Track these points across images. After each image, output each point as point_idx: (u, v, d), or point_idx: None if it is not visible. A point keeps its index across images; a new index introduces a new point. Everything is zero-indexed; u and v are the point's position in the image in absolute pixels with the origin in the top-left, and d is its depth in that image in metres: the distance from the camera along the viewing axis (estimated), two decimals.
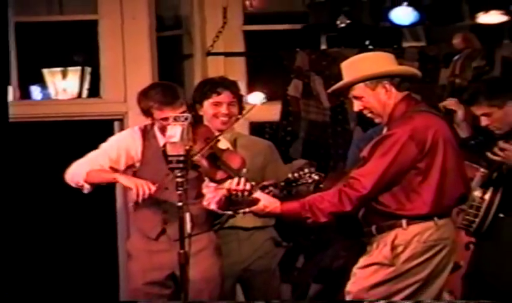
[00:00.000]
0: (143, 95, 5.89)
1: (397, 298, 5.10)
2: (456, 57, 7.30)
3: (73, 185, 5.95)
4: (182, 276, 4.85)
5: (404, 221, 5.02)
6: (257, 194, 5.25)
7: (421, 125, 5.08)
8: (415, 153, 5.04)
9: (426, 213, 5.05)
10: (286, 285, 7.41)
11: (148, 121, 5.92)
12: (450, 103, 6.39)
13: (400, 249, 5.02)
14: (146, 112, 5.81)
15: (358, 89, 5.14)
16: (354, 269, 5.21)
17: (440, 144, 5.06)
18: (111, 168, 5.95)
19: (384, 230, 5.08)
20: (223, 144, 5.71)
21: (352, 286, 5.13)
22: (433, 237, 5.04)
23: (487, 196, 5.83)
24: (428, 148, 5.04)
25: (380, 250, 5.08)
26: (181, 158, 4.86)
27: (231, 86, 6.23)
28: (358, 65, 5.27)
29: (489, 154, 5.75)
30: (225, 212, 5.73)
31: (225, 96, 6.08)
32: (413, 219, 5.03)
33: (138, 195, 5.73)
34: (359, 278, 5.12)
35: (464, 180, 5.24)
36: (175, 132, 4.96)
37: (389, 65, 5.25)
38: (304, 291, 8.07)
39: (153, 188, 5.78)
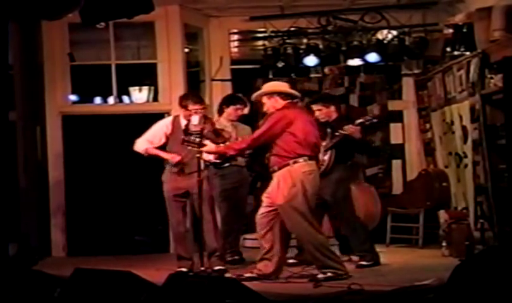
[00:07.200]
0: (184, 97, 7.69)
1: (298, 198, 6.59)
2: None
3: (138, 151, 7.68)
4: (200, 189, 7.12)
5: (291, 162, 6.80)
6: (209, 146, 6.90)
7: (290, 111, 6.92)
8: (285, 123, 6.78)
9: (300, 155, 6.73)
10: (249, 197, 8.91)
11: (179, 112, 7.52)
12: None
13: (293, 174, 6.82)
14: (184, 107, 7.50)
15: (263, 98, 7.07)
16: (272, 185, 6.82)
17: (300, 120, 6.83)
18: (156, 147, 7.50)
19: (282, 168, 6.88)
20: (219, 126, 7.77)
21: (271, 194, 6.87)
22: (307, 168, 6.87)
23: (327, 156, 7.80)
24: (292, 121, 6.80)
25: (284, 178, 6.80)
26: (198, 132, 7.12)
27: (244, 100, 8.35)
28: (266, 87, 7.10)
29: (340, 130, 7.63)
30: (216, 161, 7.47)
31: (242, 106, 8.28)
32: (295, 159, 6.80)
33: (171, 159, 7.54)
34: (278, 190, 6.84)
35: (315, 136, 7.00)
36: (196, 119, 7.33)
37: (279, 87, 7.01)
38: (259, 201, 8.06)
39: (178, 158, 7.31)
